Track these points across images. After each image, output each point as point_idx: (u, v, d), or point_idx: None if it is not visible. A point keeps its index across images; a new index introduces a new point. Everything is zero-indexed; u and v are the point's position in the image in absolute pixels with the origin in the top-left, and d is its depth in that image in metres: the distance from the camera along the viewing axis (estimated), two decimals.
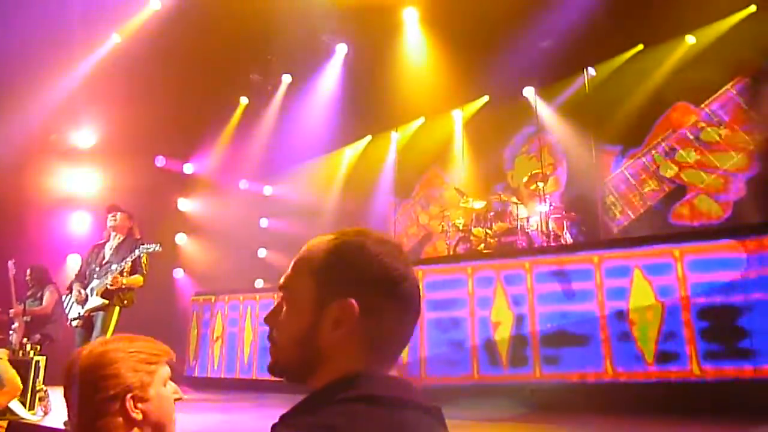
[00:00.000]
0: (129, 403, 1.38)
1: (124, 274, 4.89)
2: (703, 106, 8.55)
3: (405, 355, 6.39)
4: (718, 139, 8.36)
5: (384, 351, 0.98)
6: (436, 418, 0.92)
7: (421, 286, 6.34)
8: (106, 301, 4.85)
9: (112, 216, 5.16)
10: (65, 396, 1.45)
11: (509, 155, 10.48)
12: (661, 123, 8.93)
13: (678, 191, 8.61)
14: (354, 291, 0.95)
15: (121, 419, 1.37)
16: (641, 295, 5.19)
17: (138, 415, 1.38)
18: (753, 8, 8.13)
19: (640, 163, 9.03)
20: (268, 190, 12.89)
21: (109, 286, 4.82)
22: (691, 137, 8.62)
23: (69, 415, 1.44)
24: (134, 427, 1.38)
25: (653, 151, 8.93)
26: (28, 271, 7.18)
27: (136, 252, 4.89)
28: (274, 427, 0.87)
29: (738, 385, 4.67)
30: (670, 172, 8.69)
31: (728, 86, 8.36)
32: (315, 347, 0.96)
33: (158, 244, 4.95)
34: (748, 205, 7.84)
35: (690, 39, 8.69)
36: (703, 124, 8.54)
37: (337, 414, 0.83)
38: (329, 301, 0.96)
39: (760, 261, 4.79)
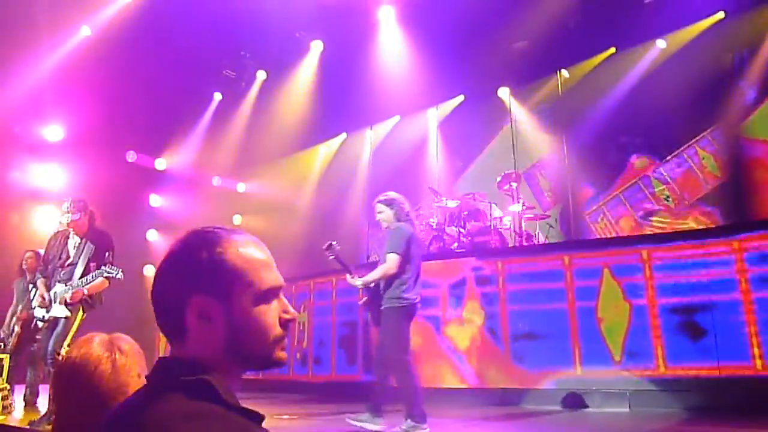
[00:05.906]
0: None
1: (86, 291, 4.70)
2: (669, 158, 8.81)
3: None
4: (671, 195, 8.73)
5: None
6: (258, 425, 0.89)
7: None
8: (70, 314, 4.68)
9: (69, 220, 4.84)
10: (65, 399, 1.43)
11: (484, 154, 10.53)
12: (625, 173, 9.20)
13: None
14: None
15: None
16: (610, 294, 5.27)
17: None
18: (722, 15, 8.33)
19: (615, 202, 9.28)
20: (241, 186, 12.76)
21: (69, 300, 4.66)
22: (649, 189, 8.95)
23: (67, 416, 1.42)
24: None
25: (621, 195, 9.22)
26: None
27: (96, 273, 4.67)
28: None
29: (703, 383, 4.78)
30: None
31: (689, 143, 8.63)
32: None
33: (120, 270, 4.68)
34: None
35: (661, 43, 8.85)
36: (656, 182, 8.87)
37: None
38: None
39: (723, 263, 4.92)
